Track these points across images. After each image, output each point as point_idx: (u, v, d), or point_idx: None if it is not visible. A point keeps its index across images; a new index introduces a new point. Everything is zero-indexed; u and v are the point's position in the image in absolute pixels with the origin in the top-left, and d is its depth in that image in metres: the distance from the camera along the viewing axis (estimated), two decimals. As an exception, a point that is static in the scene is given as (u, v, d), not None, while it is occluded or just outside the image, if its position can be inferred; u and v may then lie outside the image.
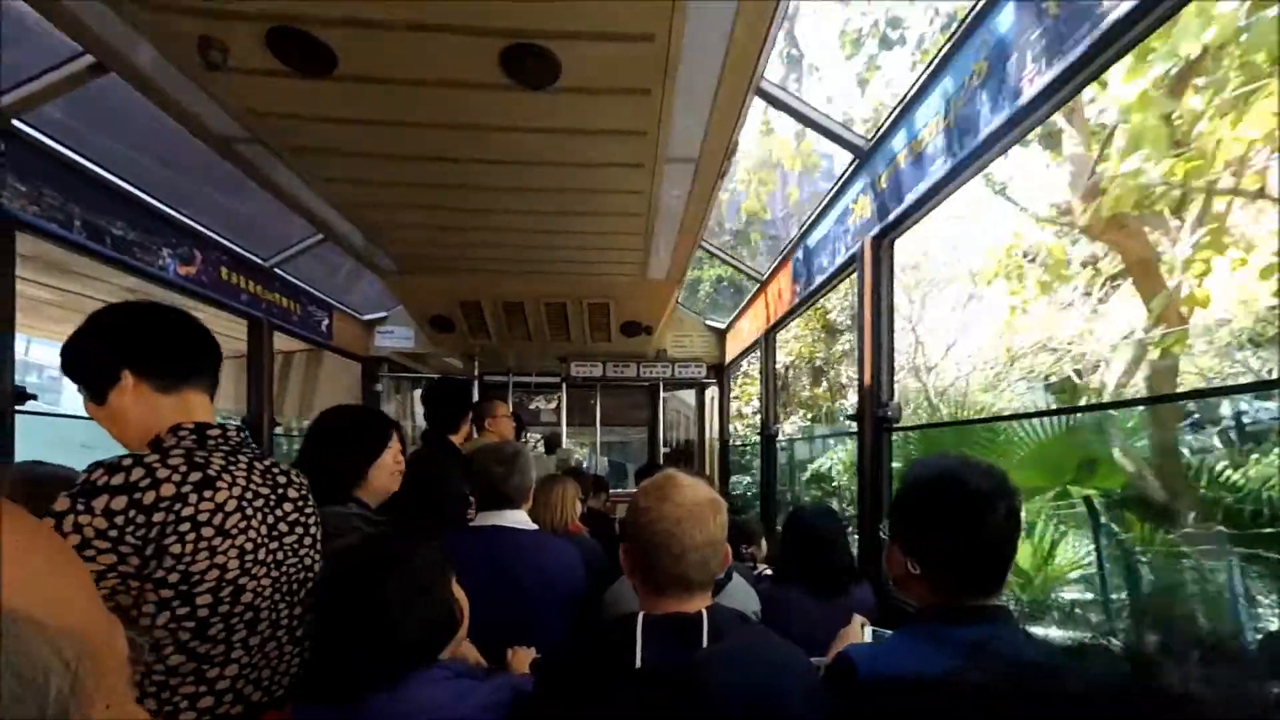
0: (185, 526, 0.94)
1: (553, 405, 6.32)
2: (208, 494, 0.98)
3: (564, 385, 5.56)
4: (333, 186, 2.31)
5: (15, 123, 1.87)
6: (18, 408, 1.85)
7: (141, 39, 1.52)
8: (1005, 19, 1.48)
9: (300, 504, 1.17)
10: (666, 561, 0.99)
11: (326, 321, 4.01)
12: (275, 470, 1.14)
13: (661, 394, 5.97)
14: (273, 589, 1.07)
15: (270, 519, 1.09)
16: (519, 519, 1.80)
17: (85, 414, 1.07)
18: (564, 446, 5.65)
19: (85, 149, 2.09)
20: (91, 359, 1.02)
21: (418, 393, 6.09)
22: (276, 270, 3.34)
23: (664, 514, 0.99)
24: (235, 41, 1.50)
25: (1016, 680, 0.88)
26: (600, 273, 3.39)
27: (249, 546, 1.02)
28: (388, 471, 1.59)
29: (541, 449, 5.60)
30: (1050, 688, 0.82)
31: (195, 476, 0.97)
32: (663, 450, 6.12)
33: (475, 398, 4.60)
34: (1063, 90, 1.33)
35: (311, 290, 3.82)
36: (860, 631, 1.50)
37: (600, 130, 1.94)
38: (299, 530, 1.15)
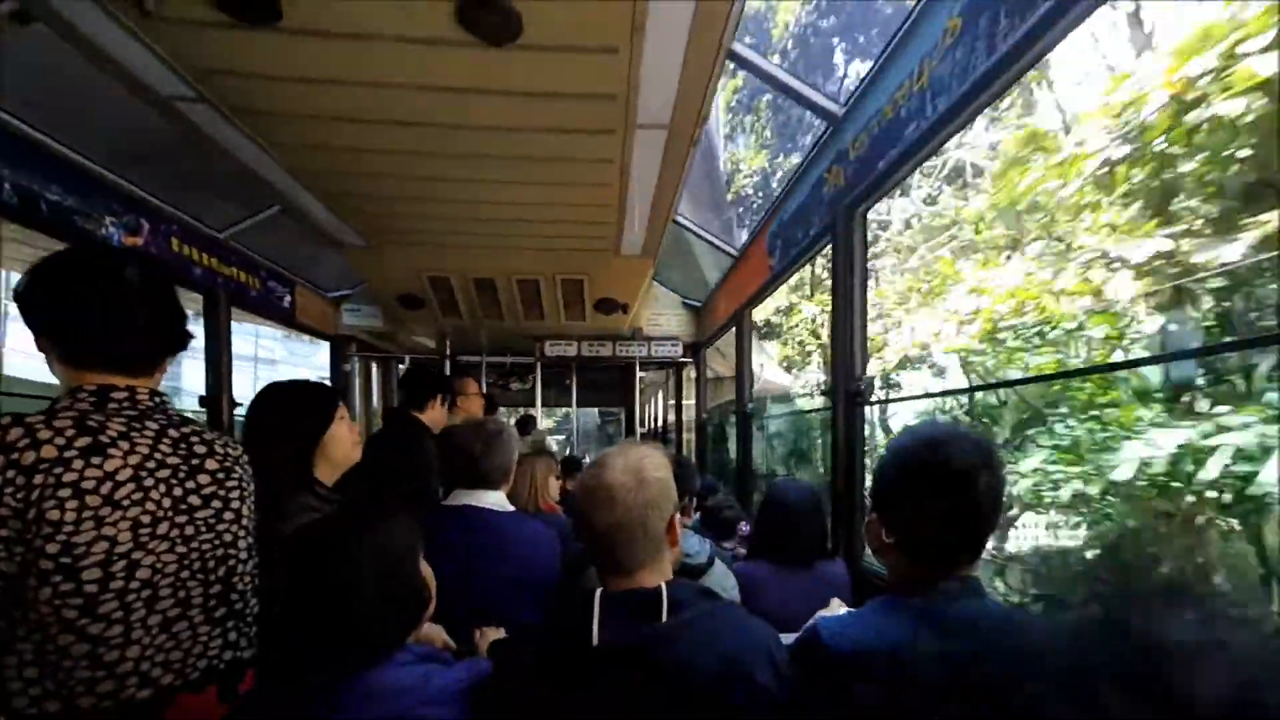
0: (66, 492, 0.88)
1: (528, 385, 6.25)
2: (96, 460, 0.91)
3: (538, 365, 5.49)
4: (287, 152, 2.20)
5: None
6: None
7: None
8: (979, -27, 1.44)
9: (220, 476, 1.09)
10: (591, 545, 0.99)
11: (289, 298, 3.87)
12: (194, 439, 1.06)
13: (638, 372, 5.94)
14: (178, 565, 1.00)
15: (178, 491, 1.01)
16: (495, 500, 1.74)
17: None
18: (538, 429, 5.61)
19: (11, 107, 1.96)
20: (22, 310, 0.98)
21: (382, 372, 5.97)
22: (233, 243, 3.21)
23: (580, 498, 1.00)
24: None
25: (966, 647, 0.87)
26: (573, 247, 3.33)
27: (146, 519, 0.95)
28: (345, 442, 1.52)
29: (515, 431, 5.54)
30: (997, 654, 0.81)
31: (82, 441, 0.91)
32: (639, 430, 6.10)
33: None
34: (1037, 45, 1.30)
35: (272, 264, 3.68)
36: (837, 613, 1.49)
37: (567, 93, 1.87)
38: (216, 504, 1.07)
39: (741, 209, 16.26)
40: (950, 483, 0.94)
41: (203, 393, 3.09)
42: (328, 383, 3.84)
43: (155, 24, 1.54)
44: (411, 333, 4.92)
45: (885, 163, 1.87)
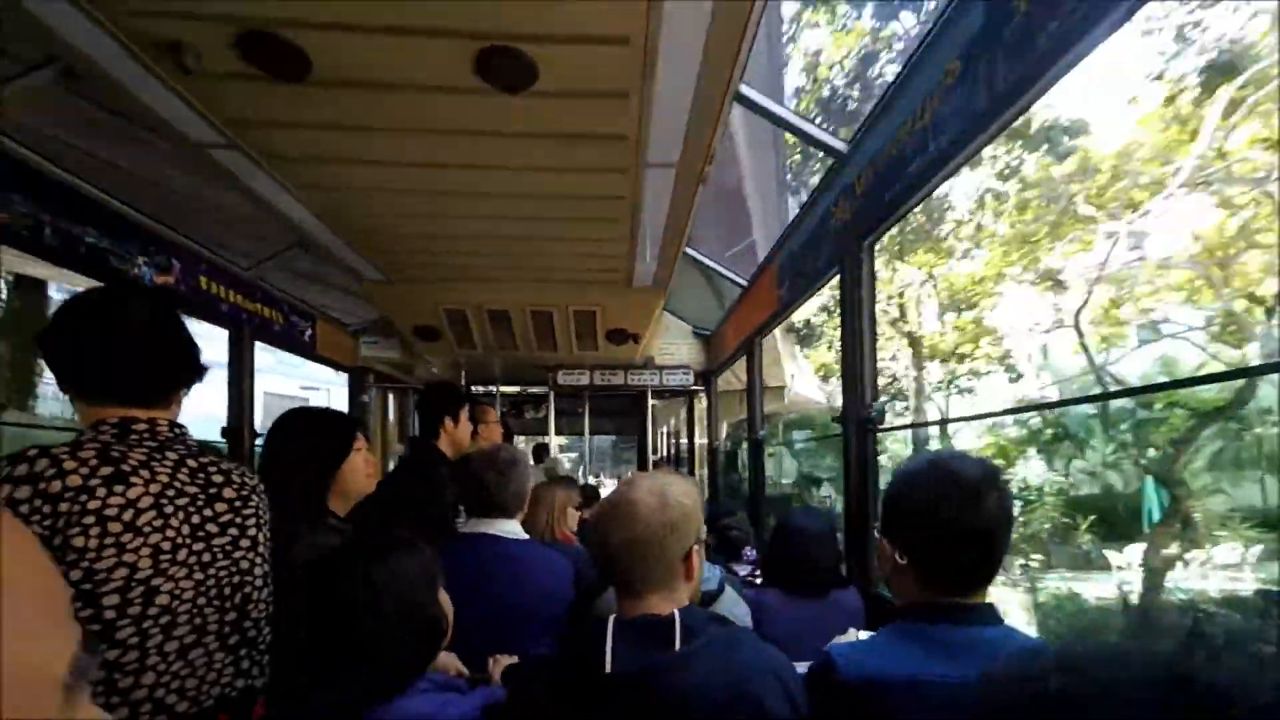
0: (90, 519, 0.91)
1: (541, 414, 6.29)
2: (119, 488, 0.94)
3: (552, 394, 5.53)
4: (312, 193, 2.29)
5: (-16, 130, 1.84)
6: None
7: (111, 43, 1.50)
8: (975, 18, 1.49)
9: (238, 504, 1.12)
10: (601, 561, 1.00)
11: (310, 331, 3.97)
12: (211, 469, 1.09)
13: (650, 401, 5.96)
14: (195, 592, 1.01)
15: (196, 519, 1.04)
16: (510, 529, 1.75)
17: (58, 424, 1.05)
18: (551, 456, 5.63)
19: (56, 156, 2.07)
20: (43, 350, 1.03)
21: (399, 402, 6.04)
22: (260, 280, 3.31)
23: (600, 514, 1.01)
24: (206, 45, 1.49)
25: (994, 681, 0.87)
26: (585, 280, 3.39)
27: (166, 546, 0.98)
28: (360, 473, 1.55)
29: (530, 459, 5.56)
30: (1025, 689, 0.81)
31: (106, 470, 0.94)
32: (651, 458, 6.10)
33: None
34: (1035, 85, 1.34)
35: (294, 299, 3.79)
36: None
37: (579, 134, 1.94)
38: (233, 532, 1.09)
39: (831, 108, 12.98)
40: (959, 499, 0.95)
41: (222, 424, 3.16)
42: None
43: (192, 78, 1.64)
44: (428, 364, 5.00)
45: (890, 196, 1.91)
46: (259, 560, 1.14)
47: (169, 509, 0.99)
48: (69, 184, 2.09)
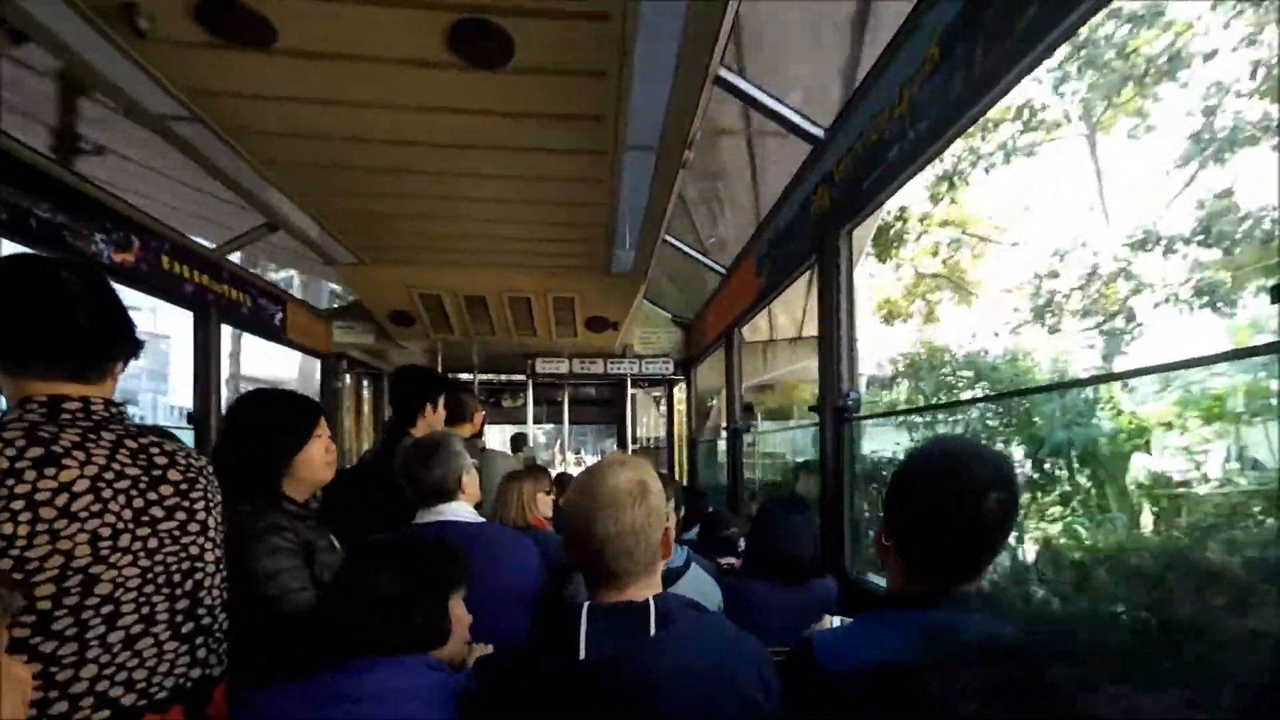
0: (19, 504, 0.85)
1: (519, 403, 6.25)
2: (49, 471, 0.88)
3: (530, 382, 5.49)
4: (280, 170, 2.23)
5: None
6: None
7: (62, 5, 1.43)
8: (953, 3, 1.48)
9: (184, 487, 1.06)
10: (587, 555, 0.97)
11: (280, 315, 3.87)
12: (154, 450, 1.03)
13: (629, 390, 5.94)
14: (141, 580, 0.96)
15: (139, 503, 0.98)
16: (459, 510, 1.72)
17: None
18: (529, 445, 5.60)
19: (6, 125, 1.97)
20: None
21: (373, 388, 5.95)
22: (225, 260, 3.21)
23: (580, 505, 0.98)
24: (162, 8, 1.43)
25: (968, 665, 0.87)
26: (564, 266, 3.35)
27: (105, 531, 0.92)
28: (318, 462, 1.49)
29: (508, 448, 5.53)
30: (999, 671, 0.81)
31: (35, 452, 0.88)
32: (631, 447, 6.10)
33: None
34: (1014, 69, 1.34)
35: (264, 281, 3.69)
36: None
37: (556, 114, 1.90)
38: (180, 515, 1.04)
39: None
40: (957, 498, 0.94)
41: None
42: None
43: (148, 45, 1.56)
44: (403, 350, 4.92)
45: (869, 183, 1.91)
46: (209, 545, 1.09)
47: (107, 493, 0.93)
48: (18, 155, 1.99)
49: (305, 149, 2.08)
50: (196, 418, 3.04)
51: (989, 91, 1.42)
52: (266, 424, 1.46)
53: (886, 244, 11.96)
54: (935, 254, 13.03)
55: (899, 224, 12.17)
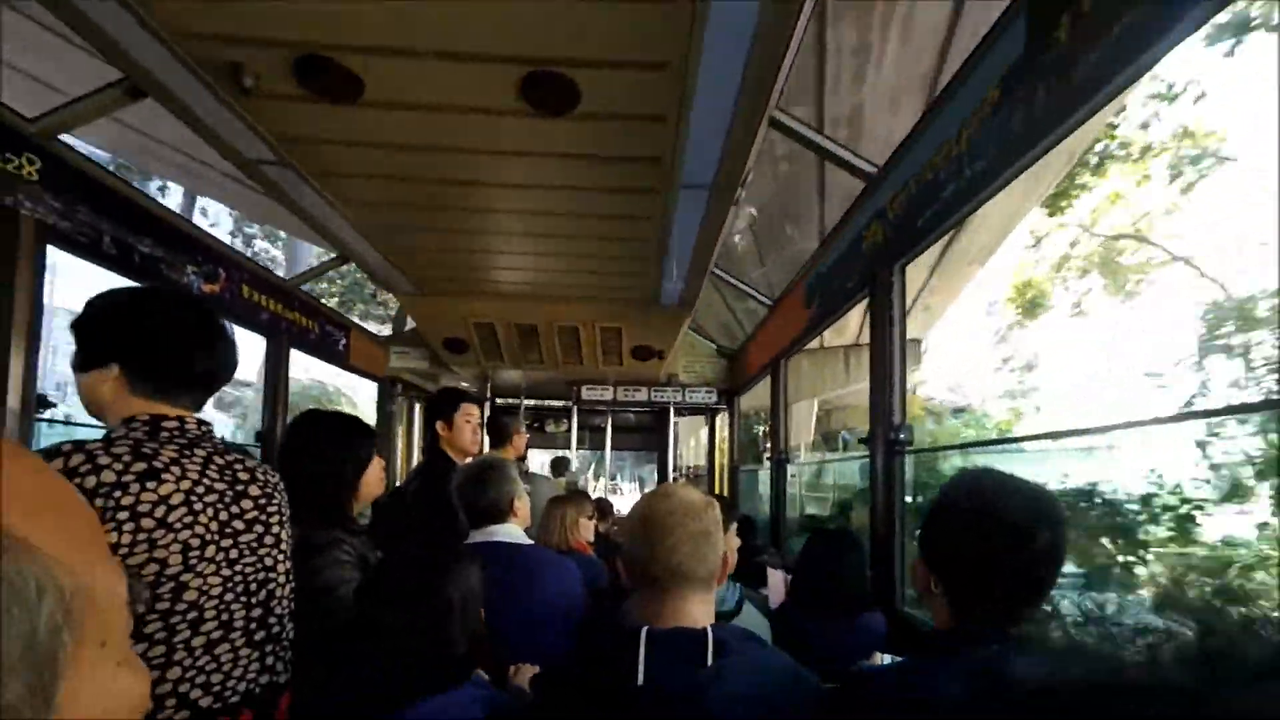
0: (124, 515, 0.92)
1: (564, 428, 6.32)
2: (151, 485, 0.95)
3: (574, 408, 5.57)
4: (356, 209, 2.37)
5: (53, 142, 1.94)
6: (38, 415, 1.89)
7: (176, 64, 1.58)
8: (1014, 46, 1.50)
9: (262, 502, 1.13)
10: (661, 552, 0.99)
11: (344, 341, 4.07)
12: (238, 466, 1.11)
13: (672, 418, 5.96)
14: (223, 588, 1.03)
15: (224, 515, 1.05)
16: (509, 532, 1.77)
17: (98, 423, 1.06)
18: (571, 469, 5.66)
19: (117, 169, 2.16)
20: (92, 335, 1.03)
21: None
22: (298, 289, 3.42)
23: (657, 507, 1.02)
24: (265, 68, 1.57)
25: (1018, 705, 0.86)
26: (613, 297, 3.43)
27: (195, 542, 0.99)
28: (375, 481, 1.59)
29: (549, 471, 5.59)
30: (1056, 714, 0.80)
31: (139, 467, 0.95)
32: (672, 475, 6.08)
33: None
34: (1074, 115, 1.35)
35: (330, 309, 3.90)
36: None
37: (616, 156, 1.98)
38: (258, 529, 1.11)
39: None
40: (1006, 539, 0.92)
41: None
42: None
43: (249, 98, 1.72)
44: (454, 375, 5.07)
45: (923, 221, 1.92)
46: (282, 557, 1.16)
47: (198, 505, 1.00)
48: (125, 195, 2.19)
49: (380, 189, 2.21)
50: (265, 435, 3.20)
51: (1050, 133, 1.43)
52: (341, 445, 1.55)
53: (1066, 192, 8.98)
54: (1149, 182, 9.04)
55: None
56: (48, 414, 1.95)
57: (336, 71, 1.57)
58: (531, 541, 1.83)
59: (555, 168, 2.05)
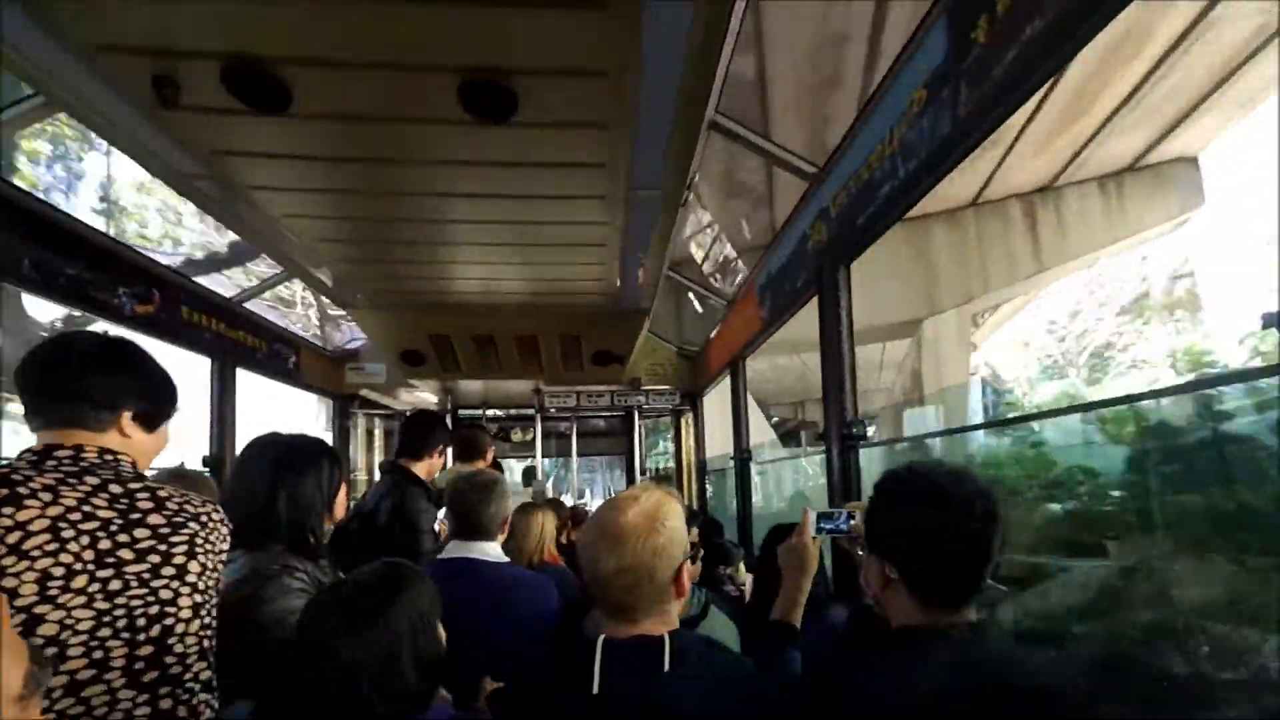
0: None
1: (529, 437, 6.27)
2: (8, 510, 0.91)
3: (538, 416, 5.53)
4: (296, 223, 2.31)
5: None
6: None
7: (94, 80, 1.52)
8: (937, 49, 1.55)
9: (164, 531, 1.06)
10: (595, 587, 1.00)
11: (294, 359, 3.95)
12: (140, 495, 1.06)
13: (637, 421, 5.96)
14: (95, 623, 0.95)
15: (106, 544, 0.99)
16: (491, 551, 1.77)
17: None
18: (539, 479, 5.62)
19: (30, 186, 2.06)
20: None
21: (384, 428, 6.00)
22: (241, 308, 3.31)
23: (588, 541, 1.01)
24: (190, 79, 1.52)
25: (984, 697, 0.89)
26: (569, 304, 3.42)
27: (58, 572, 0.93)
28: (341, 504, 1.56)
29: (519, 480, 5.54)
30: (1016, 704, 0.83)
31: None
32: (639, 478, 6.09)
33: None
34: (996, 111, 1.40)
35: (278, 327, 3.78)
36: (812, 520, 1.43)
37: (561, 163, 1.98)
38: (153, 559, 1.04)
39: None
40: (949, 510, 0.96)
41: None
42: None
43: (175, 113, 1.65)
44: (412, 389, 4.99)
45: (864, 219, 1.97)
46: (186, 590, 1.07)
47: (68, 533, 0.94)
48: (46, 216, 2.08)
49: (319, 202, 2.16)
50: (214, 460, 3.09)
51: (975, 131, 1.48)
52: (324, 465, 1.50)
53: None
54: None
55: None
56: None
57: (264, 81, 1.53)
58: (507, 559, 1.82)
59: (501, 176, 2.03)
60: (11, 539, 0.90)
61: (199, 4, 1.30)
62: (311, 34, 1.40)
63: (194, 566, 1.09)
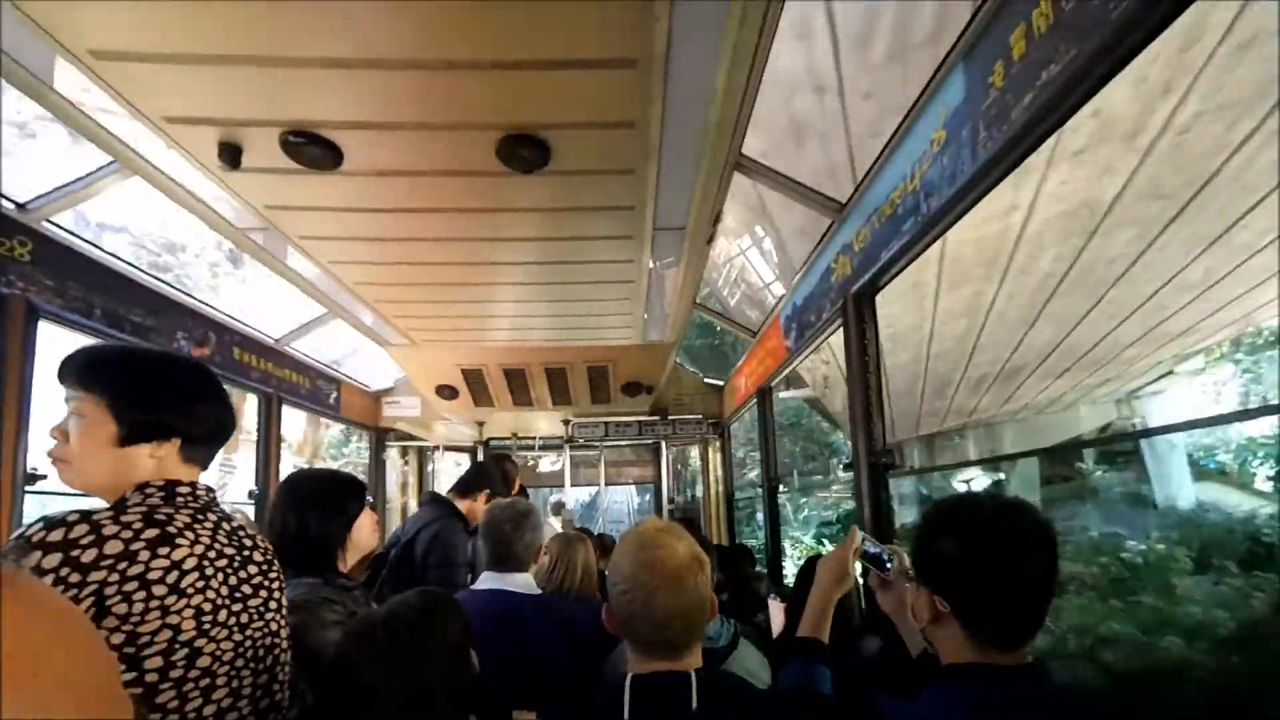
0: (132, 585, 0.89)
1: (557, 467, 6.32)
2: (163, 550, 0.93)
3: (567, 446, 5.58)
4: (342, 269, 2.44)
5: (44, 224, 2.00)
6: (28, 488, 1.90)
7: (166, 148, 1.66)
8: (956, 91, 1.61)
9: (265, 568, 1.13)
10: (645, 629, 1.00)
11: (335, 394, 4.10)
12: (241, 532, 1.11)
13: (664, 451, 5.98)
14: (234, 654, 1.01)
15: (233, 580, 1.05)
16: (524, 582, 1.80)
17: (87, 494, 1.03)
18: (567, 509, 5.66)
19: (106, 242, 2.23)
20: (151, 407, 1.02)
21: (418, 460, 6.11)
22: (287, 348, 3.46)
23: (640, 582, 1.00)
24: (251, 144, 1.64)
25: None
26: (598, 338, 3.50)
27: (207, 607, 0.97)
28: (367, 531, 1.60)
29: (550, 511, 5.58)
30: None
31: (150, 533, 0.93)
32: (666, 508, 6.08)
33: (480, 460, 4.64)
34: (1012, 154, 1.44)
35: (321, 365, 3.94)
36: (859, 539, 1.36)
37: (591, 207, 2.07)
38: (263, 594, 1.11)
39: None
40: (1009, 551, 0.92)
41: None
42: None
43: (235, 174, 1.79)
44: (447, 422, 5.10)
45: (888, 254, 2.00)
46: (283, 621, 1.16)
47: (210, 570, 0.99)
48: (114, 269, 2.24)
49: (365, 249, 2.28)
50: (260, 494, 3.20)
51: (994, 170, 1.52)
52: (335, 496, 1.56)
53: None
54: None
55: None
56: (37, 486, 1.96)
57: (318, 144, 1.65)
58: (539, 590, 1.85)
59: (535, 221, 2.13)
60: (170, 579, 0.93)
61: (263, 79, 1.43)
62: (363, 101, 1.52)
63: (284, 600, 1.17)
